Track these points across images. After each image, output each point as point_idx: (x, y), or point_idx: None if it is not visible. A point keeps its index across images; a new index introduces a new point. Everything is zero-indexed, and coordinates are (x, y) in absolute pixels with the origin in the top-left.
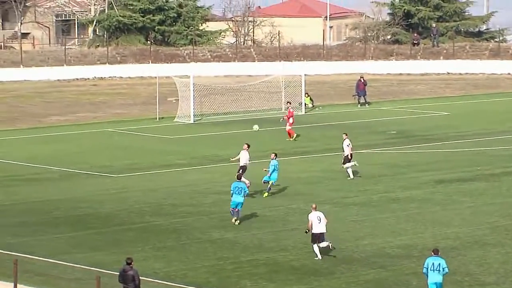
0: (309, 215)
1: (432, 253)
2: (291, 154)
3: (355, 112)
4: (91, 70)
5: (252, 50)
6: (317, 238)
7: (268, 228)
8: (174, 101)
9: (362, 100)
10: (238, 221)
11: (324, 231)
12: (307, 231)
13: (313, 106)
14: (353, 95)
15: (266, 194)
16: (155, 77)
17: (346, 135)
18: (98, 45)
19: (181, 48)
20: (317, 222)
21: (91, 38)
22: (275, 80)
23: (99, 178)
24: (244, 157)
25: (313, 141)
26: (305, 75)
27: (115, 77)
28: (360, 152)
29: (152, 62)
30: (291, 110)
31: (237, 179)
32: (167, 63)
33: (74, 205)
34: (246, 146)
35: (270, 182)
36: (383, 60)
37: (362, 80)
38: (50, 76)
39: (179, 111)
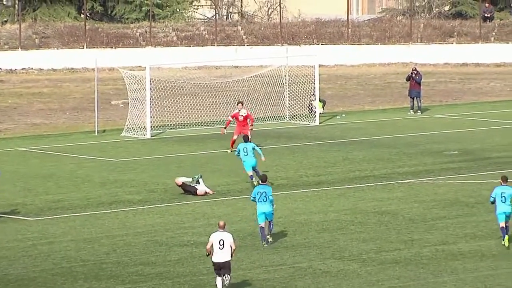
0: (212, 234)
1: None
2: (299, 185)
3: (397, 121)
4: None
5: (239, 28)
6: (219, 268)
7: None
8: (122, 105)
9: (415, 104)
10: (270, 238)
11: (228, 259)
12: (207, 254)
13: (322, 112)
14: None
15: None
16: (93, 70)
17: None
18: (5, 21)
19: (131, 26)
20: (218, 247)
21: None
22: (274, 73)
23: (8, 222)
24: None
25: (331, 167)
26: (319, 65)
27: (32, 69)
28: (403, 183)
29: (88, 47)
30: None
31: (261, 181)
32: (111, 47)
33: None
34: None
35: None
36: (438, 43)
37: (415, 73)
38: None
39: (128, 121)
